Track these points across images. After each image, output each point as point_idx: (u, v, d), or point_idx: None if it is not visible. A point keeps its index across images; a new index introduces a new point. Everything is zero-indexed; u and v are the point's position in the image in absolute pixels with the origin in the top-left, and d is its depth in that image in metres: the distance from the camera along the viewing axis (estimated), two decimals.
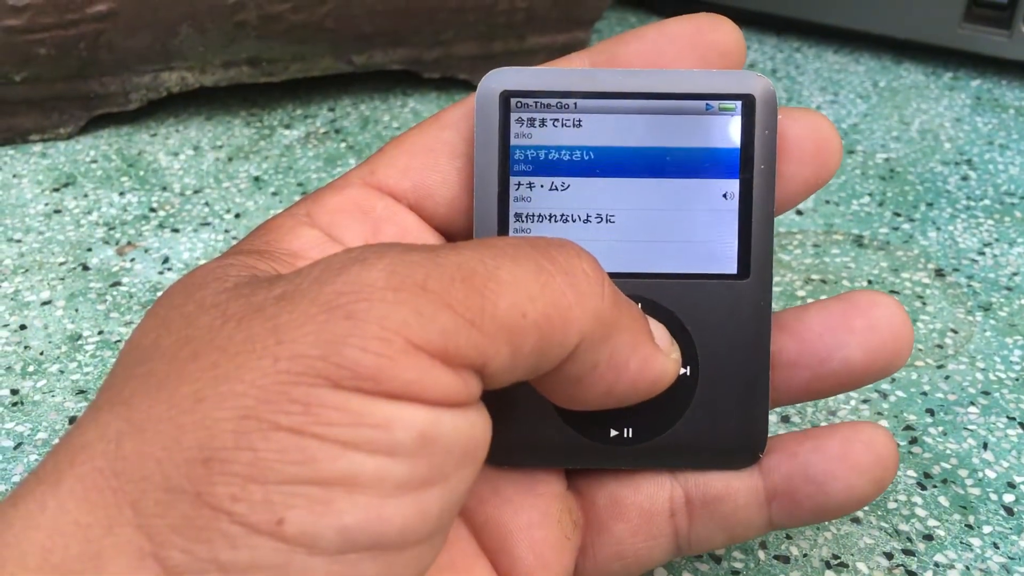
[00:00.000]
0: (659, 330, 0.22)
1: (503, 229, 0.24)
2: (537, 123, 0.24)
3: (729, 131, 0.24)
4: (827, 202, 0.51)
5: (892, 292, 0.43)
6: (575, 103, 0.24)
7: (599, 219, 0.24)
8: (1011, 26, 0.64)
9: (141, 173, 0.53)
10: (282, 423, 0.16)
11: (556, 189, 0.24)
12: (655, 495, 0.25)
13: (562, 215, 0.24)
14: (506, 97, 0.24)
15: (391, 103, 0.62)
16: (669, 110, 0.24)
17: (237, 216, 0.49)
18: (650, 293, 0.24)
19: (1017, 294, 0.43)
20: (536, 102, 0.24)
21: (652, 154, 0.24)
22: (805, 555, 0.30)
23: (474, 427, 0.18)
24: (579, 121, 0.24)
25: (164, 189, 0.51)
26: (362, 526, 0.16)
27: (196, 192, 0.51)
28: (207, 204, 0.50)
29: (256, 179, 0.52)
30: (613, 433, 0.25)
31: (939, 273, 0.45)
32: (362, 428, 0.16)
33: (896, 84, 0.66)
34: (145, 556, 0.16)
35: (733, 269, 0.24)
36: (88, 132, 0.57)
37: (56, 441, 0.33)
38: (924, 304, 0.43)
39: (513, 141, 0.24)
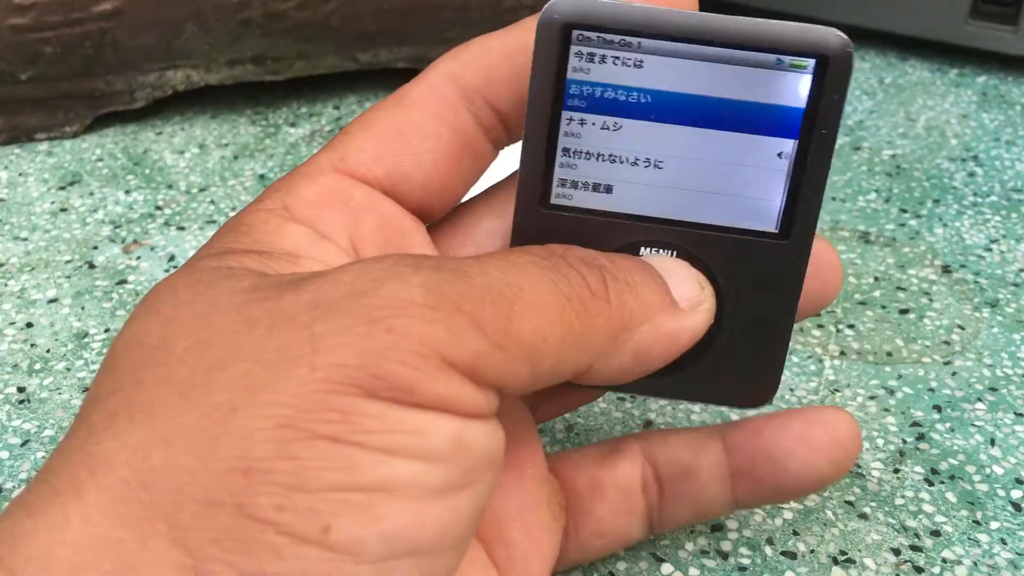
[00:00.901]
0: (683, 280, 0.23)
1: (549, 163, 0.24)
2: (597, 59, 0.23)
3: (797, 89, 0.23)
4: (833, 199, 0.51)
5: (899, 289, 0.43)
6: (639, 42, 0.23)
7: (647, 163, 0.24)
8: (1017, 22, 0.64)
9: (147, 171, 0.53)
10: (322, 432, 0.16)
11: (608, 128, 0.24)
12: (631, 472, 0.26)
13: (610, 155, 0.24)
14: (567, 28, 0.23)
15: None
16: (738, 60, 0.23)
17: None
18: (687, 243, 0.24)
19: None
20: (599, 36, 0.23)
21: (712, 104, 0.23)
22: (812, 551, 0.30)
23: (496, 434, 0.19)
24: (640, 62, 0.23)
25: (170, 187, 0.51)
26: (402, 531, 0.17)
27: (202, 190, 0.51)
28: (213, 202, 0.50)
29: (261, 177, 0.52)
30: None
31: (946, 269, 0.45)
32: (399, 435, 0.17)
33: (902, 81, 0.66)
34: (186, 571, 0.16)
35: (775, 228, 0.24)
36: (94, 131, 0.57)
37: (61, 439, 0.33)
38: (931, 300, 0.42)
39: (570, 75, 0.23)
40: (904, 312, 0.42)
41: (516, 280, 0.19)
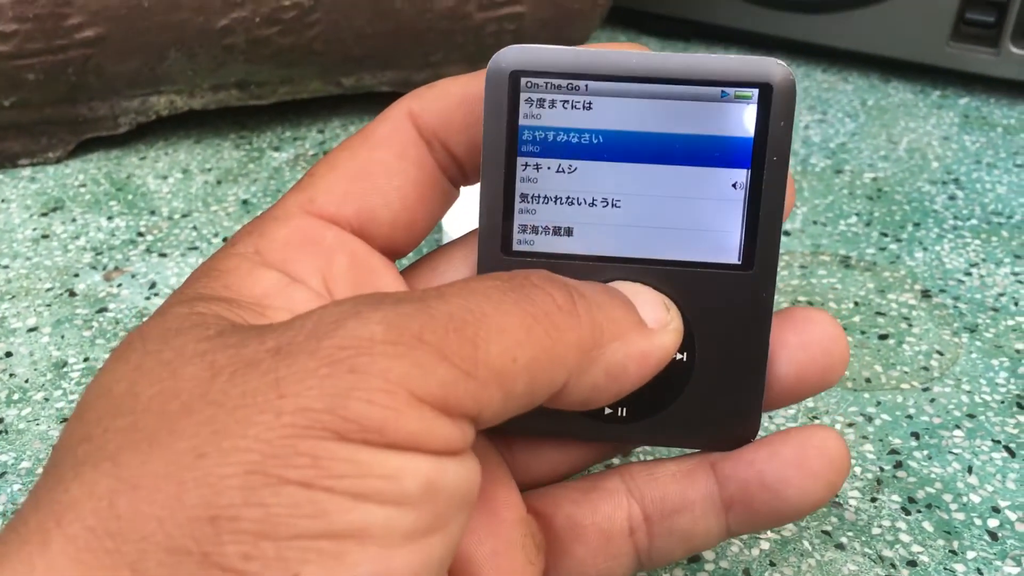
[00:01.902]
0: (648, 302, 0.23)
1: (508, 209, 0.24)
2: (547, 104, 0.24)
3: (743, 120, 0.23)
4: (814, 223, 0.51)
5: (878, 314, 0.43)
6: (587, 85, 0.23)
7: (605, 203, 0.24)
8: (999, 44, 0.64)
9: (130, 197, 0.53)
10: (291, 477, 0.16)
11: (563, 171, 0.24)
12: (613, 515, 0.25)
13: (567, 198, 0.24)
14: (516, 76, 0.24)
15: None
16: (684, 95, 0.23)
17: (224, 240, 0.49)
18: (651, 280, 0.24)
19: (1003, 315, 0.44)
20: (547, 82, 0.24)
21: (663, 140, 0.24)
22: None
23: (471, 472, 0.19)
24: (589, 104, 0.24)
25: (152, 213, 0.51)
26: None
27: (184, 216, 0.51)
28: (195, 228, 0.50)
29: (245, 202, 0.52)
30: (608, 411, 0.25)
31: (925, 294, 0.45)
32: (371, 479, 0.17)
33: (884, 103, 0.66)
34: None
35: (737, 259, 0.24)
36: (77, 156, 0.57)
37: (39, 471, 0.33)
38: (910, 326, 0.43)
39: (522, 121, 0.24)
40: (883, 337, 0.42)
41: (478, 305, 0.19)
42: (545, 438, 0.26)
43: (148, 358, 0.19)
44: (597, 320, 0.21)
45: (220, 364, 0.18)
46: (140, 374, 0.18)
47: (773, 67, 0.23)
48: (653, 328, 0.22)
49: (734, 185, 0.24)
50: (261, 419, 0.17)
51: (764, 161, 0.24)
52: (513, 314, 0.19)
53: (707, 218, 0.24)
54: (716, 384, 0.25)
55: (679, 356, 0.25)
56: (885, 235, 0.50)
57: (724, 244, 0.24)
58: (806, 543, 0.32)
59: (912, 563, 0.31)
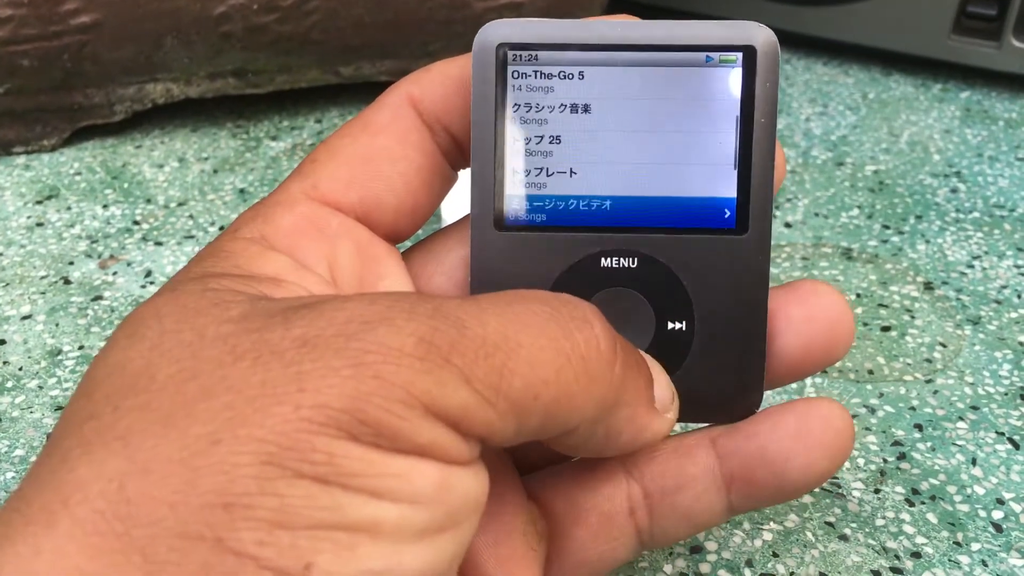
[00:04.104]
0: (662, 384, 0.23)
1: (499, 184, 0.24)
2: (535, 76, 0.24)
3: (729, 83, 0.24)
4: (816, 215, 0.51)
5: (881, 306, 0.43)
6: (573, 55, 0.24)
7: (596, 174, 0.24)
8: (1000, 37, 0.64)
9: (125, 185, 0.52)
10: (307, 472, 0.16)
11: (554, 143, 0.24)
12: (613, 495, 0.25)
13: (560, 170, 0.24)
14: (503, 49, 0.23)
15: None
16: (669, 62, 0.24)
17: (221, 229, 0.48)
18: (646, 247, 0.24)
19: (1006, 307, 0.43)
20: (533, 55, 0.24)
21: (652, 107, 0.24)
22: (792, 573, 0.30)
23: (480, 479, 0.19)
24: (576, 74, 0.24)
25: (148, 202, 0.51)
26: (383, 572, 0.17)
27: (180, 204, 0.50)
28: (191, 217, 0.49)
29: (241, 191, 0.52)
30: None
31: (928, 286, 0.45)
32: (385, 478, 0.17)
33: (885, 96, 0.66)
34: None
35: (732, 223, 0.24)
36: (72, 144, 0.56)
37: (34, 459, 0.32)
38: (913, 318, 0.42)
39: (510, 94, 0.24)
40: (886, 329, 0.41)
41: (515, 334, 0.19)
42: None
43: (166, 337, 0.18)
44: (626, 380, 0.21)
45: (243, 349, 0.18)
46: (158, 353, 0.18)
47: (755, 30, 0.24)
48: (658, 409, 0.22)
49: (724, 149, 0.24)
50: (279, 410, 0.17)
51: (752, 123, 0.24)
52: (548, 350, 0.19)
53: (700, 184, 0.24)
54: (716, 354, 0.24)
55: (679, 326, 0.24)
56: (887, 228, 0.50)
57: (718, 208, 0.24)
58: (809, 534, 0.31)
59: (916, 555, 0.31)
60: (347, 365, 0.17)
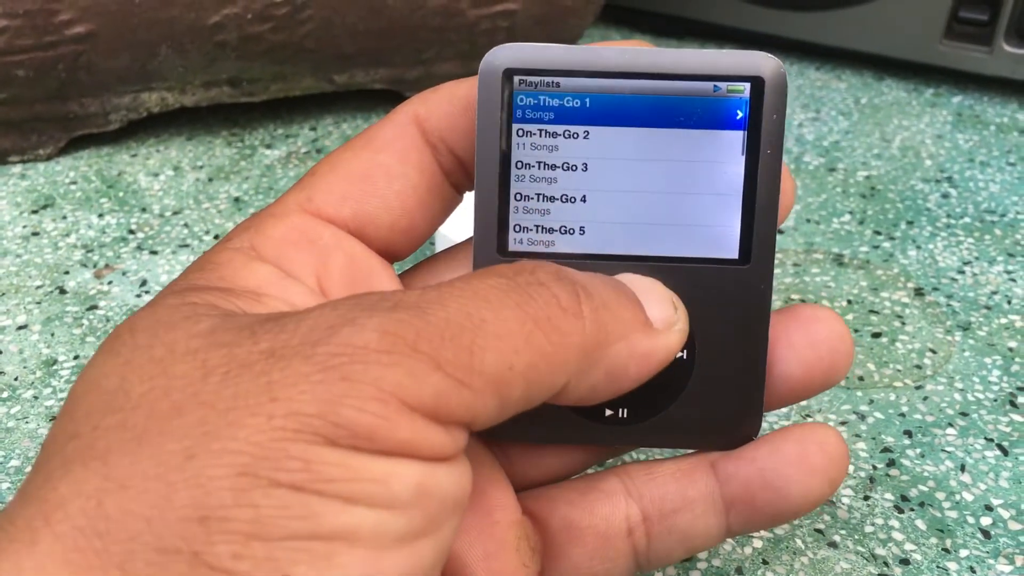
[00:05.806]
0: (656, 300, 0.22)
1: (504, 209, 0.24)
2: (541, 101, 0.24)
3: (737, 113, 0.24)
4: (808, 220, 0.51)
5: (871, 312, 0.43)
6: (580, 82, 0.24)
7: (601, 200, 0.24)
8: (992, 43, 0.64)
9: (120, 194, 0.53)
10: (282, 480, 0.16)
11: (558, 169, 0.24)
12: (611, 516, 0.25)
13: (563, 196, 0.24)
14: (509, 74, 0.23)
15: (373, 122, 0.61)
16: (676, 91, 0.24)
17: (216, 237, 0.48)
18: (649, 276, 0.24)
19: (996, 313, 0.44)
20: (540, 80, 0.24)
21: (658, 136, 0.24)
22: None
23: (462, 477, 0.19)
24: (583, 101, 0.24)
25: (143, 210, 0.51)
26: None
27: (175, 213, 0.51)
28: (186, 225, 0.50)
29: (236, 200, 0.52)
30: (608, 412, 0.25)
31: (919, 292, 0.45)
32: (361, 483, 0.17)
33: (878, 101, 0.66)
34: None
35: (735, 254, 0.24)
36: (68, 153, 0.56)
37: (28, 469, 0.33)
38: (903, 324, 0.43)
39: (516, 119, 0.24)
40: (877, 336, 0.42)
41: (477, 311, 0.19)
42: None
43: (138, 353, 0.19)
44: (603, 320, 0.20)
45: (212, 364, 0.18)
46: (130, 369, 0.18)
47: (764, 60, 0.23)
48: (659, 328, 0.22)
49: (729, 179, 0.24)
50: (252, 421, 0.17)
51: (758, 154, 0.24)
52: (512, 319, 0.19)
53: (704, 213, 0.24)
54: (717, 382, 0.25)
55: (680, 355, 0.24)
56: (878, 233, 0.50)
57: (722, 239, 0.24)
58: (799, 541, 0.32)
59: (905, 561, 0.31)
60: (316, 370, 0.17)
